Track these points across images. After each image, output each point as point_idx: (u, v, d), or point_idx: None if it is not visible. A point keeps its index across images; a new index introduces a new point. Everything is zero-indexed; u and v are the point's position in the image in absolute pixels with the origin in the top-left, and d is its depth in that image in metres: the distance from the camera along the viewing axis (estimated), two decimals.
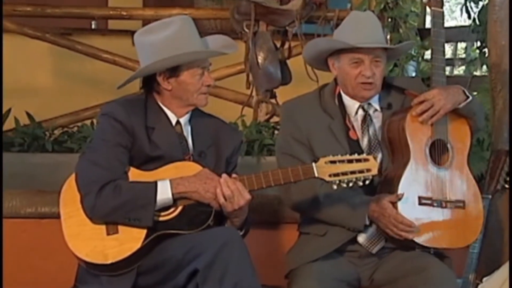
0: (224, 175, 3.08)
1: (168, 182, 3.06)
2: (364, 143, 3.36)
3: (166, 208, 3.09)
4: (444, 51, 3.43)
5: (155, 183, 3.05)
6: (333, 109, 3.41)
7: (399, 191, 3.23)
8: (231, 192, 3.05)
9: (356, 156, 3.14)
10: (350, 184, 3.12)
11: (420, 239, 3.24)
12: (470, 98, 3.32)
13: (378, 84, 3.37)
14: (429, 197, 3.27)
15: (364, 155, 3.14)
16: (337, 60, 3.37)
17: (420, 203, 3.26)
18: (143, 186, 3.06)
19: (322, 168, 3.12)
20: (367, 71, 3.32)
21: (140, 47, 3.18)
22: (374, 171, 3.13)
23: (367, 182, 3.13)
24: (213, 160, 3.22)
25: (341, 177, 3.11)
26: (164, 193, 3.04)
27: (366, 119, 3.39)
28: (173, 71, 3.15)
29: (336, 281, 3.26)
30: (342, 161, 3.12)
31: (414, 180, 3.27)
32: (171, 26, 3.13)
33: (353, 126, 3.38)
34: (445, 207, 3.29)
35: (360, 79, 3.33)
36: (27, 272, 3.97)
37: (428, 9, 5.59)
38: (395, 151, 3.34)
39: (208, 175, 3.09)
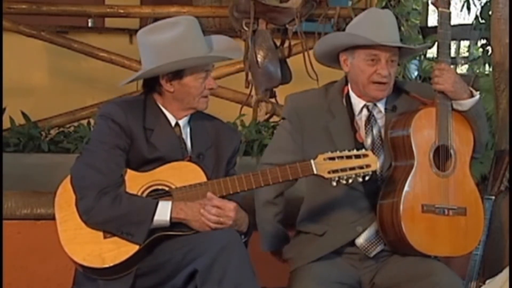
0: (203, 205, 3.03)
1: (169, 205, 3.03)
2: (368, 143, 3.34)
3: None
4: (450, 53, 3.42)
5: (157, 202, 3.03)
6: (338, 108, 3.38)
7: (403, 198, 3.23)
8: (217, 218, 3.02)
9: (355, 152, 3.13)
10: (350, 181, 3.12)
11: (421, 247, 3.23)
12: (477, 97, 3.32)
13: (391, 84, 3.36)
14: (432, 204, 3.27)
15: (363, 151, 3.14)
16: (351, 56, 3.33)
17: (423, 211, 3.26)
18: (143, 203, 3.04)
19: (320, 165, 3.11)
20: (384, 70, 3.29)
21: (143, 46, 3.15)
22: (374, 167, 3.12)
23: (366, 178, 3.13)
24: (212, 162, 3.19)
25: (340, 174, 3.10)
26: (162, 214, 3.02)
27: (370, 120, 3.37)
28: (177, 73, 3.12)
29: (337, 284, 3.25)
30: (341, 157, 3.11)
31: (418, 186, 3.27)
32: (177, 27, 3.09)
33: (359, 128, 3.36)
34: (448, 214, 3.28)
35: (375, 77, 3.30)
36: (22, 274, 3.96)
37: (430, 7, 5.59)
38: (399, 155, 3.33)
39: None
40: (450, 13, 3.39)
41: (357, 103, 3.37)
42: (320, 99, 3.40)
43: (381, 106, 3.38)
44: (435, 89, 3.31)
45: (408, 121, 3.29)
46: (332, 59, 3.40)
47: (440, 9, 3.37)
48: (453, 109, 3.33)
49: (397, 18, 4.72)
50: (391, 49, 3.30)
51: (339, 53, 3.36)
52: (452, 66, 3.50)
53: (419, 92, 3.42)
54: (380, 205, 3.28)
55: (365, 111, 3.37)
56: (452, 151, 3.31)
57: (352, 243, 3.31)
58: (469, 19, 4.76)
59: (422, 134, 3.29)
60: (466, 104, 3.31)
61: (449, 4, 3.39)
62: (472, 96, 3.32)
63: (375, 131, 3.36)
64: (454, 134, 3.32)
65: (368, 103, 3.36)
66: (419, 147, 3.28)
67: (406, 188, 3.24)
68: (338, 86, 3.42)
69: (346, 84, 3.40)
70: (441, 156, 3.30)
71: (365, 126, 3.36)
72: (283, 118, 3.49)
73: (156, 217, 3.01)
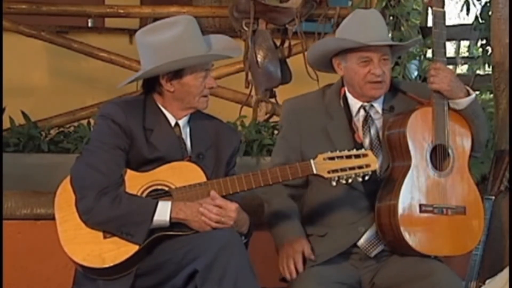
0: (203, 203, 3.03)
1: (169, 205, 3.03)
2: (366, 144, 3.34)
3: None
4: (445, 52, 3.41)
5: (156, 202, 3.03)
6: (336, 109, 3.39)
7: (400, 199, 3.23)
8: (218, 217, 3.02)
9: (354, 151, 3.14)
10: (350, 180, 3.12)
11: (421, 247, 3.23)
12: (473, 95, 3.33)
13: (388, 82, 3.36)
14: (430, 204, 3.27)
15: (362, 151, 3.15)
16: (343, 60, 3.34)
17: (421, 211, 3.26)
18: (143, 203, 3.04)
19: (320, 165, 3.11)
20: (376, 69, 3.29)
21: (142, 46, 3.15)
22: (374, 167, 3.13)
23: (366, 177, 3.13)
24: (212, 162, 3.19)
25: (340, 174, 3.11)
26: (162, 214, 3.02)
27: (368, 120, 3.38)
28: (176, 73, 3.12)
29: (337, 284, 3.25)
30: (340, 157, 3.12)
31: (415, 187, 3.27)
32: (175, 27, 3.10)
33: (357, 129, 3.36)
34: (446, 213, 3.28)
35: (369, 78, 3.30)
36: (22, 274, 3.95)
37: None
38: (396, 155, 3.33)
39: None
40: (444, 12, 3.38)
41: (354, 104, 3.38)
42: (317, 102, 3.41)
43: (378, 106, 3.38)
44: (431, 88, 3.31)
45: (404, 121, 3.29)
46: (325, 64, 3.41)
47: (434, 8, 3.36)
48: (450, 108, 3.33)
49: (397, 18, 4.74)
50: (382, 48, 3.30)
51: (331, 58, 3.37)
52: (451, 66, 3.49)
53: (416, 92, 3.42)
54: (378, 207, 3.28)
55: (362, 112, 3.37)
56: (449, 151, 3.31)
57: (353, 244, 3.31)
58: (469, 19, 4.76)
59: (419, 134, 3.29)
60: (462, 103, 3.32)
61: (443, 3, 3.38)
62: (468, 95, 3.33)
63: (372, 131, 3.36)
64: (451, 133, 3.31)
65: (364, 104, 3.37)
66: (416, 147, 3.28)
67: (403, 189, 3.24)
68: (335, 88, 3.43)
69: (343, 85, 3.40)
70: (439, 155, 3.30)
71: (363, 127, 3.36)
72: (282, 126, 3.47)
73: (155, 217, 3.00)
